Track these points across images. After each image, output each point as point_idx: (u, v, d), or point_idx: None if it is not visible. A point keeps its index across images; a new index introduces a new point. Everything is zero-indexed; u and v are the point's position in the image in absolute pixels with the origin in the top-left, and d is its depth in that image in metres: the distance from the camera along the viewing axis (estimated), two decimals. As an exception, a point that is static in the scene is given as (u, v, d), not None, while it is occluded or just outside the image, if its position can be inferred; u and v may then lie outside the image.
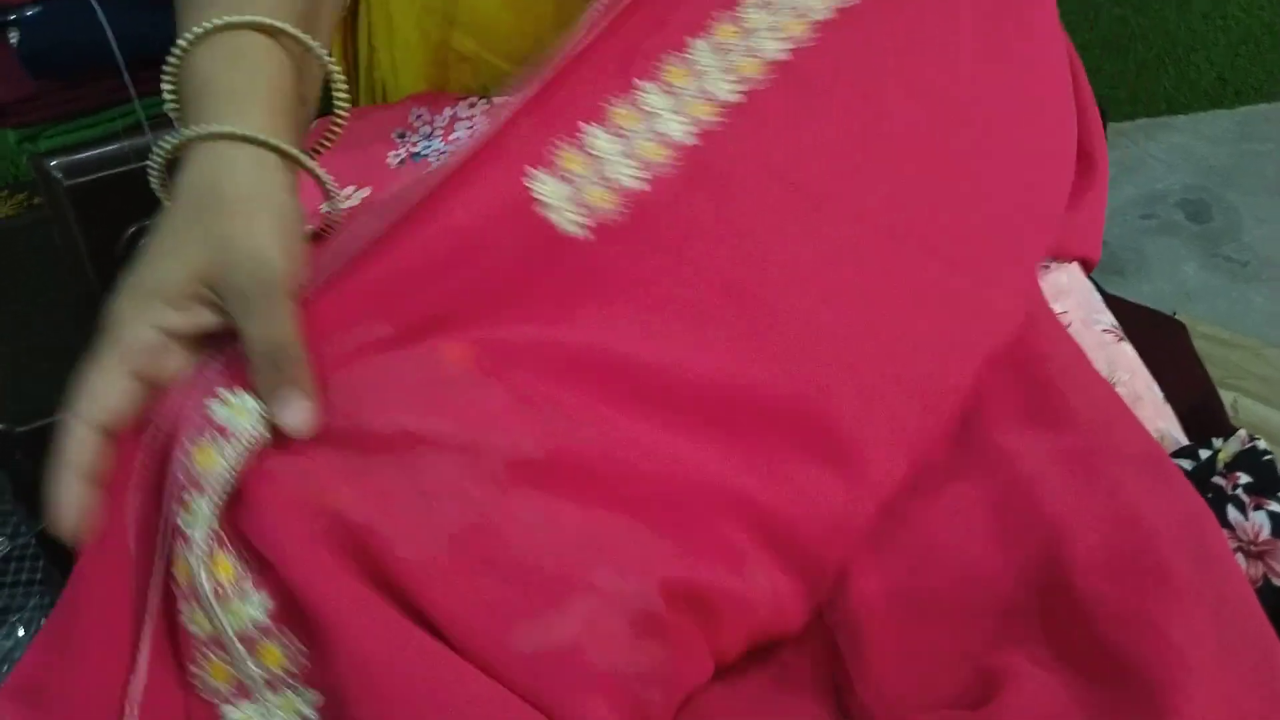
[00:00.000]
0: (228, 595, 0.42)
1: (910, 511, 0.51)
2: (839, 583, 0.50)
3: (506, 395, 0.46)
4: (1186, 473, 0.51)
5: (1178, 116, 2.23)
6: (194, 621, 0.42)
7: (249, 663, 0.41)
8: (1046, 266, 0.64)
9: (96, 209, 1.13)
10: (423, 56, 0.84)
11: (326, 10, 0.58)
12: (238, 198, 0.44)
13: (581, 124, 0.51)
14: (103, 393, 0.44)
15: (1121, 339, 0.61)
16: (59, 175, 1.10)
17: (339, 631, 0.40)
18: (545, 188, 0.49)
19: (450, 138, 0.80)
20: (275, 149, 0.45)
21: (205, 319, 0.44)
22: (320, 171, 0.48)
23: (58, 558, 1.41)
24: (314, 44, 0.50)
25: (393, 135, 0.80)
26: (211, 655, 0.42)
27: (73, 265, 1.21)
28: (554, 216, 0.48)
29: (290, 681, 0.42)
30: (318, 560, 0.41)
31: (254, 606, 0.42)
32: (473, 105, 0.83)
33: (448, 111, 0.82)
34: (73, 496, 0.42)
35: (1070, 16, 2.00)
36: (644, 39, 0.53)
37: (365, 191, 0.75)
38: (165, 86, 0.49)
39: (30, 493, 1.33)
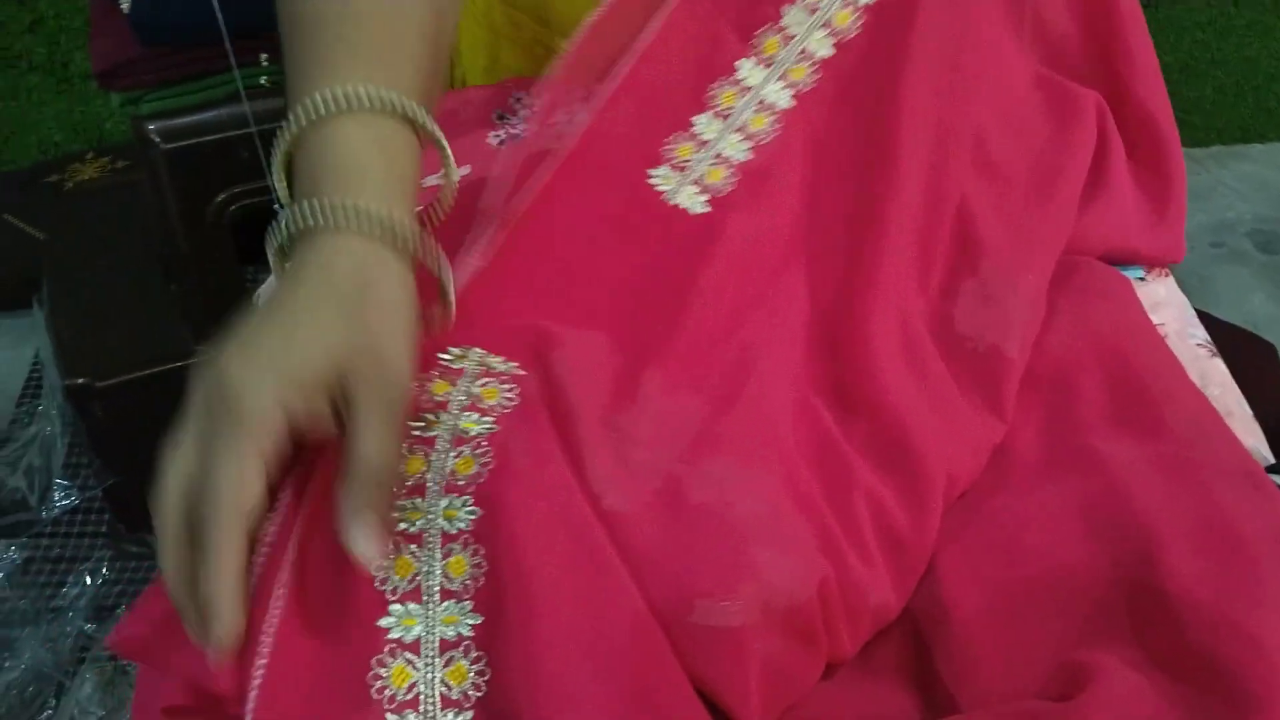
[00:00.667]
0: (453, 490, 0.44)
1: (1000, 508, 0.52)
2: (926, 574, 0.51)
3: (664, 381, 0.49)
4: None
5: (1253, 145, 2.20)
6: (405, 518, 0.43)
7: (438, 564, 0.43)
8: (1144, 278, 0.65)
9: (189, 174, 1.17)
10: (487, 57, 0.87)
11: (439, 81, 0.57)
12: (388, 303, 0.42)
13: (690, 117, 0.57)
14: (248, 483, 0.39)
15: (1214, 354, 0.61)
16: (157, 139, 1.14)
17: (525, 554, 0.42)
18: (667, 183, 0.55)
19: (549, 120, 0.82)
20: (420, 259, 0.45)
21: (323, 417, 0.41)
22: (451, 294, 0.48)
23: (124, 512, 1.46)
24: (444, 143, 0.49)
25: (493, 116, 0.82)
26: (404, 551, 0.43)
27: (161, 228, 1.25)
28: (683, 201, 0.52)
29: (463, 596, 0.43)
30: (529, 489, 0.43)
31: (464, 512, 0.44)
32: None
33: (546, 95, 0.84)
34: (236, 607, 0.39)
35: (1151, 37, 1.99)
36: (730, 18, 0.59)
37: (465, 170, 0.77)
38: (285, 140, 0.47)
39: (105, 446, 1.37)
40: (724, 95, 0.59)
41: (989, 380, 0.55)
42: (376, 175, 0.45)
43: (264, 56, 1.15)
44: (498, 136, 0.80)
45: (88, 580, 1.40)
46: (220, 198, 1.20)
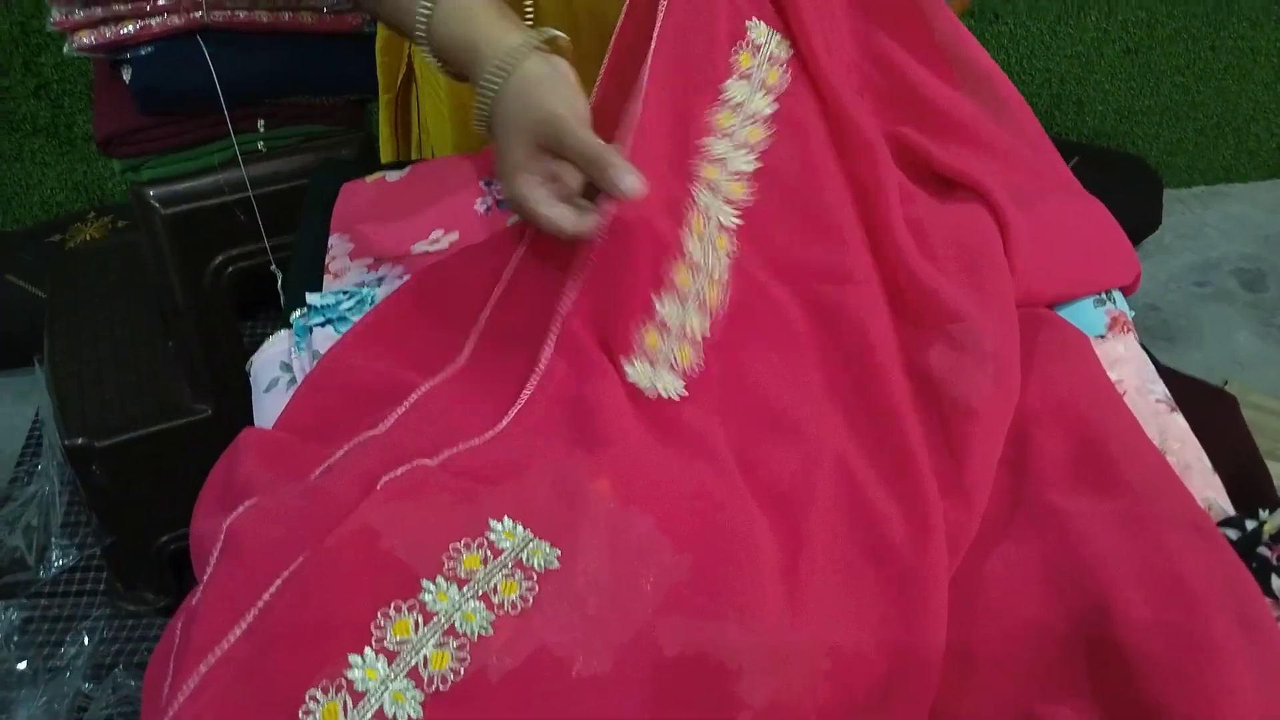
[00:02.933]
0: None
1: (961, 566, 0.54)
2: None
3: (650, 520, 0.52)
4: (1232, 542, 0.53)
5: (1235, 185, 2.24)
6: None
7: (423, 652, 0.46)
8: (1103, 336, 0.67)
9: (189, 237, 1.19)
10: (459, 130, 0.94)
11: None
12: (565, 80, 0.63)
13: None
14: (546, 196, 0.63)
15: (1173, 409, 0.63)
16: (157, 204, 1.17)
17: None
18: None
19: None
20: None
21: (548, 163, 0.63)
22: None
23: (122, 572, 1.47)
24: None
25: (480, 183, 0.85)
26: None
27: (161, 288, 1.27)
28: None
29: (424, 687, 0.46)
30: None
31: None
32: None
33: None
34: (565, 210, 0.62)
35: (1131, 82, 2.04)
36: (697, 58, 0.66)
37: (453, 236, 0.80)
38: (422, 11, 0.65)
39: (103, 506, 1.38)
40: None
41: (959, 441, 0.57)
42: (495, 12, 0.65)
43: (261, 123, 1.19)
44: (484, 203, 0.83)
45: (85, 640, 1.40)
46: (218, 260, 1.23)
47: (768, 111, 0.66)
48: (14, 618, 1.41)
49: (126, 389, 1.37)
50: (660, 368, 0.61)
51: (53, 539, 1.51)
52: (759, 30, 0.67)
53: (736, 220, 0.65)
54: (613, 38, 0.70)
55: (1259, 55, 2.04)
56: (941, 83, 0.71)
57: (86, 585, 1.52)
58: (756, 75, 0.66)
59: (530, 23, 0.70)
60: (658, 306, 0.62)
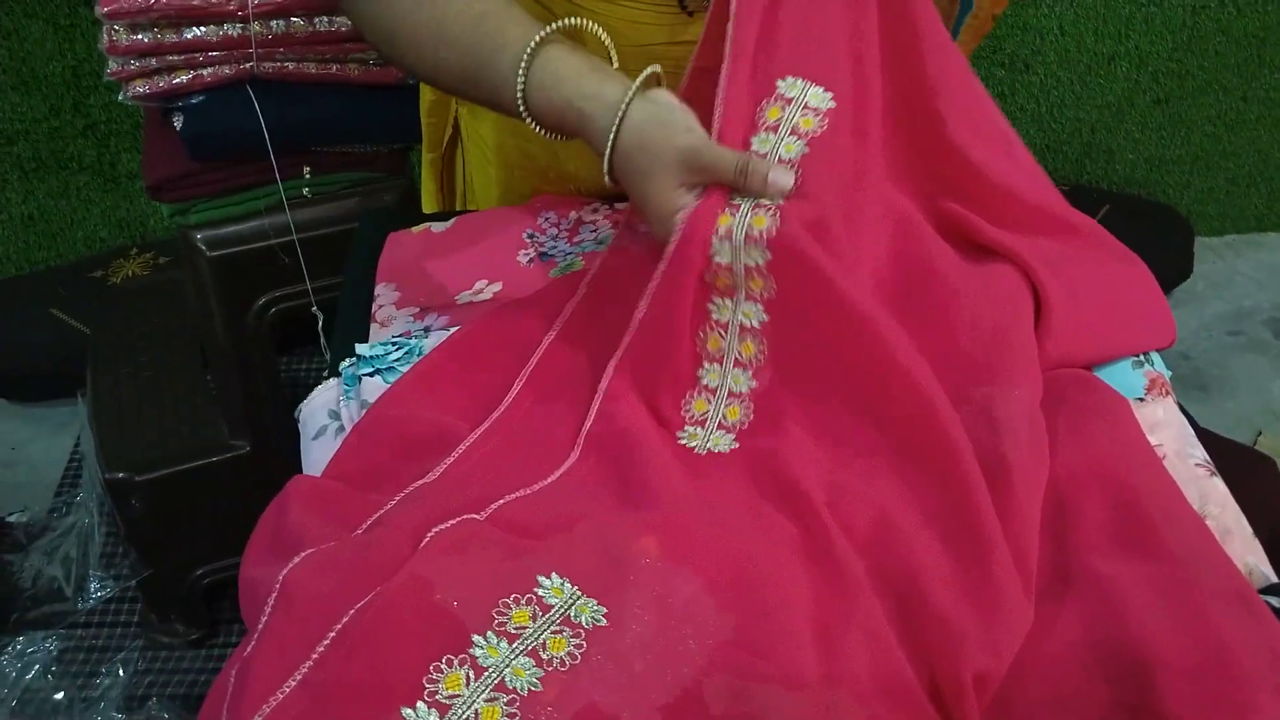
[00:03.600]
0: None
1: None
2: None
3: (696, 580, 0.53)
4: (1275, 610, 0.54)
5: (1268, 234, 2.23)
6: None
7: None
8: (1143, 399, 0.67)
9: (233, 279, 1.22)
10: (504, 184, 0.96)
11: None
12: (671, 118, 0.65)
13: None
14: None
15: (1213, 473, 0.64)
16: (203, 246, 1.20)
17: None
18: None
19: (575, 239, 0.86)
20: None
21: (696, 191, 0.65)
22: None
23: (155, 603, 1.48)
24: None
25: (523, 235, 0.86)
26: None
27: (203, 327, 1.30)
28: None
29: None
30: None
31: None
32: (595, 210, 0.89)
33: (573, 215, 0.89)
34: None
35: (1162, 132, 2.04)
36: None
37: (497, 286, 0.82)
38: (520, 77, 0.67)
39: (141, 538, 1.40)
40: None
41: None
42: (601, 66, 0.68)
43: (306, 170, 1.22)
44: (527, 255, 0.85)
45: (120, 671, 1.42)
46: (261, 300, 1.26)
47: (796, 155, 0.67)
48: (51, 648, 1.43)
49: (166, 424, 1.40)
50: (710, 429, 0.63)
51: (90, 570, 1.53)
52: (795, 86, 0.68)
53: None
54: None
55: (1291, 106, 2.05)
56: (975, 139, 0.71)
57: (122, 617, 1.53)
58: (785, 124, 0.67)
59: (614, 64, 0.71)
60: (700, 375, 0.64)
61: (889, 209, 0.71)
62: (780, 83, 0.67)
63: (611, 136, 0.64)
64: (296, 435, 0.74)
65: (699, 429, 0.63)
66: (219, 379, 1.36)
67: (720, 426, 0.63)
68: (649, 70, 0.66)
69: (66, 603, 1.51)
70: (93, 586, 1.51)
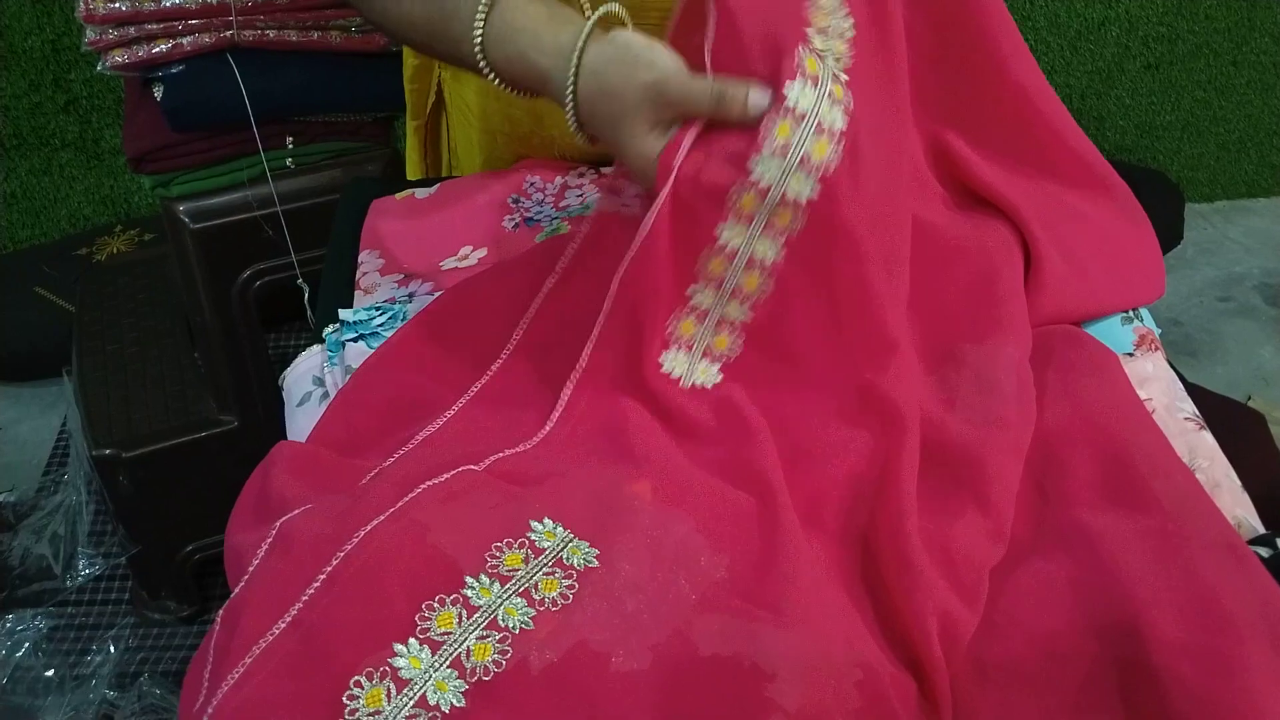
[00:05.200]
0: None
1: (992, 581, 0.54)
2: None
3: (689, 522, 0.53)
4: (1263, 560, 0.53)
5: (1258, 200, 2.23)
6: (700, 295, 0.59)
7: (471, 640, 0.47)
8: (1132, 354, 0.67)
9: (217, 252, 1.21)
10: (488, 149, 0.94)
11: None
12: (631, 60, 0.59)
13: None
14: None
15: (1202, 427, 0.63)
16: (187, 219, 1.18)
17: None
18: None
19: (560, 204, 0.85)
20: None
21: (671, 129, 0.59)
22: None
23: (145, 580, 1.48)
24: None
25: (508, 200, 0.86)
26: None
27: (189, 301, 1.29)
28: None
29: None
30: None
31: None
32: (581, 175, 0.88)
33: (558, 179, 0.88)
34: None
35: (1152, 98, 2.03)
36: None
37: (482, 252, 0.81)
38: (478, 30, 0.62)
39: (129, 515, 1.40)
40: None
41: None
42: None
43: (289, 140, 1.20)
44: (512, 220, 0.84)
45: (111, 649, 1.41)
46: (246, 274, 1.24)
47: (844, 78, 0.60)
48: (41, 626, 1.42)
49: (153, 400, 1.39)
50: (695, 355, 0.61)
51: (79, 548, 1.52)
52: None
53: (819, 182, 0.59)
54: None
55: (1281, 71, 2.04)
56: (1011, 47, 0.69)
57: (112, 594, 1.53)
58: (829, 38, 0.61)
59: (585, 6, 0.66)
60: (691, 294, 0.61)
61: (903, 153, 0.70)
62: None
63: (570, 86, 0.60)
64: (284, 408, 0.74)
65: (684, 354, 0.61)
66: (205, 354, 1.35)
67: (706, 354, 0.62)
68: (604, 8, 0.61)
69: (55, 581, 1.51)
70: (81, 564, 1.51)
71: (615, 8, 0.62)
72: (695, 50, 0.59)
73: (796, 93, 0.55)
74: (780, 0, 0.59)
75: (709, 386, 0.61)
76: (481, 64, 0.63)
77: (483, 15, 0.62)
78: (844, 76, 0.59)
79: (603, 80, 0.59)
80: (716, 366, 0.62)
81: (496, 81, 0.64)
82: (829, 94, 0.56)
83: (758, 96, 0.57)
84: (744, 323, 0.62)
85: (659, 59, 0.59)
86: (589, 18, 0.60)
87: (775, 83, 0.56)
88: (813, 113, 0.56)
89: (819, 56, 0.58)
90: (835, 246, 0.58)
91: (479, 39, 0.62)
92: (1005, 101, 0.69)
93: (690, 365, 0.61)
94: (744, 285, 0.60)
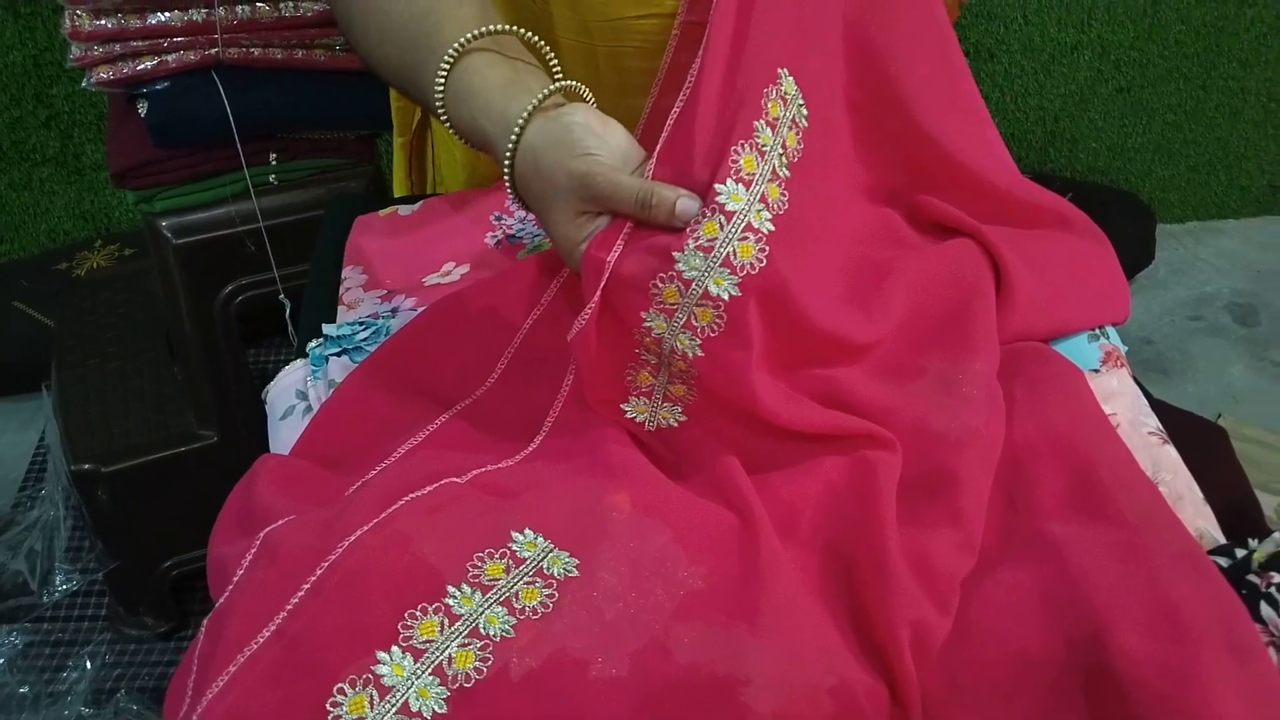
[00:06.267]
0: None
1: (961, 593, 0.55)
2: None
3: (667, 533, 0.54)
4: (1223, 569, 0.55)
5: (1228, 221, 2.27)
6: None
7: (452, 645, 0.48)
8: (1098, 370, 0.69)
9: (200, 267, 1.21)
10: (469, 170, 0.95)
11: None
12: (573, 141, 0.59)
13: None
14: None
15: (1166, 441, 0.65)
16: (169, 234, 1.19)
17: None
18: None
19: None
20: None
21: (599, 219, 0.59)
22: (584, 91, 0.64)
23: (123, 595, 1.47)
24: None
25: (490, 218, 0.87)
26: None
27: (170, 316, 1.29)
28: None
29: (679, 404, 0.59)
30: None
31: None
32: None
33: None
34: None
35: (1124, 120, 2.07)
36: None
37: (465, 268, 0.82)
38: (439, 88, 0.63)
39: (108, 531, 1.39)
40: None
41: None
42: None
43: (273, 156, 1.21)
44: (494, 236, 0.85)
45: (87, 664, 1.41)
46: (228, 289, 1.25)
47: (784, 174, 0.61)
48: (16, 642, 1.42)
49: (133, 415, 1.39)
50: (657, 400, 0.63)
51: (56, 564, 1.51)
52: (788, 83, 0.63)
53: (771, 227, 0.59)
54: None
55: (1248, 95, 2.08)
56: (948, 121, 0.72)
57: (89, 610, 1.52)
58: (780, 130, 0.62)
59: (557, 71, 0.66)
60: (641, 353, 0.61)
61: (856, 187, 0.72)
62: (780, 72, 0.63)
63: (507, 160, 0.59)
64: (265, 424, 0.75)
65: (645, 401, 0.63)
66: (186, 369, 1.35)
67: (667, 399, 0.63)
68: (559, 84, 0.61)
69: (32, 597, 1.50)
70: (58, 580, 1.50)
71: (574, 84, 0.62)
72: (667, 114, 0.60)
73: (727, 193, 0.57)
74: (744, 88, 0.60)
75: (674, 425, 0.63)
76: (444, 118, 0.64)
77: (444, 74, 0.62)
78: (785, 173, 0.60)
79: (539, 159, 0.59)
80: (679, 409, 0.63)
81: (456, 137, 0.64)
82: (761, 195, 0.58)
83: (687, 204, 0.56)
84: (688, 389, 0.62)
85: (597, 148, 0.58)
86: (544, 91, 0.60)
87: (710, 180, 0.57)
88: (741, 214, 0.57)
89: (761, 154, 0.59)
90: (734, 390, 0.59)
91: (440, 95, 0.62)
92: (946, 180, 0.72)
93: (653, 410, 0.63)
94: (675, 364, 0.60)
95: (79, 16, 1.08)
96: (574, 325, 0.59)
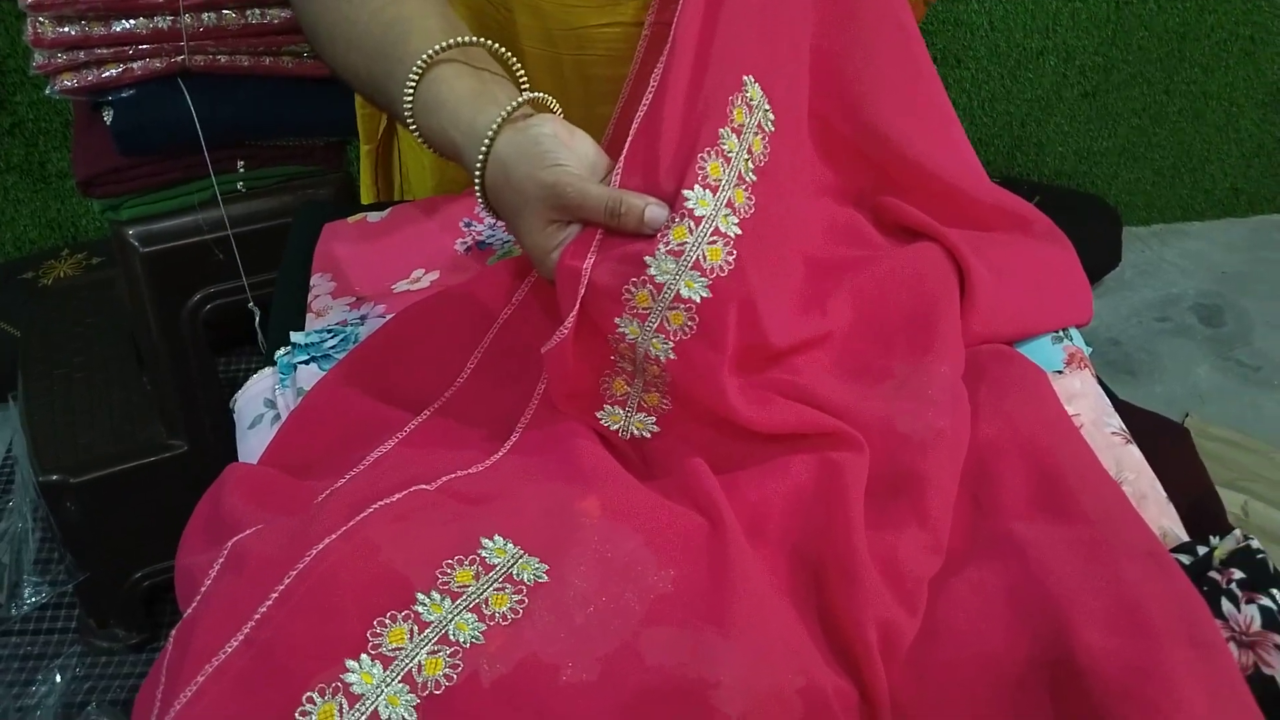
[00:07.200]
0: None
1: (928, 592, 0.56)
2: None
3: (637, 538, 0.54)
4: (1185, 567, 0.56)
5: (1193, 224, 2.30)
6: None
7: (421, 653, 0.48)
8: (1061, 372, 0.70)
9: (167, 276, 1.20)
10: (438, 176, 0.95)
11: None
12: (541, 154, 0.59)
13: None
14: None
15: (1129, 441, 0.66)
16: (136, 243, 1.18)
17: None
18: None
19: (512, 228, 0.87)
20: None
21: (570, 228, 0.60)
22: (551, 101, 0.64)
23: (93, 607, 1.46)
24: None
25: (460, 224, 0.87)
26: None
27: (138, 325, 1.28)
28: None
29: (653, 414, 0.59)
30: None
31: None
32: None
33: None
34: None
35: (1089, 125, 2.10)
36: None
37: (434, 275, 0.82)
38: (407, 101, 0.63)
39: (77, 542, 1.38)
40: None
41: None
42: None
43: (240, 164, 1.20)
44: (464, 243, 0.85)
45: (57, 678, 1.39)
46: (196, 298, 1.24)
47: (751, 179, 0.62)
48: (-16, 657, 1.40)
49: (101, 425, 1.38)
50: (631, 409, 0.63)
51: (25, 576, 1.49)
52: (754, 90, 0.64)
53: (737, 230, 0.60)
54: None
55: (1210, 99, 2.11)
56: (908, 124, 0.73)
57: (58, 623, 1.50)
58: (745, 136, 0.63)
59: (524, 82, 0.67)
60: (616, 360, 0.63)
61: (823, 190, 0.73)
62: (745, 80, 0.63)
63: (478, 172, 0.61)
64: (234, 433, 0.74)
65: (620, 409, 0.63)
66: (154, 378, 1.34)
67: (641, 409, 0.63)
68: (527, 96, 0.62)
69: (0, 610, 1.48)
70: (27, 592, 1.48)
71: (542, 96, 0.63)
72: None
73: (695, 199, 0.58)
74: (709, 96, 0.61)
75: (647, 436, 0.63)
76: (413, 128, 0.64)
77: (413, 84, 0.63)
78: (751, 178, 0.61)
79: (509, 170, 0.60)
80: (653, 419, 0.63)
81: (425, 146, 0.65)
82: (728, 200, 0.59)
83: (655, 211, 0.57)
84: (662, 397, 0.63)
85: (565, 158, 0.59)
86: (512, 103, 0.61)
87: (677, 187, 0.58)
88: (709, 219, 0.58)
89: (726, 160, 0.60)
90: (705, 392, 0.60)
91: (409, 105, 0.63)
92: (908, 182, 0.73)
93: (626, 419, 0.63)
94: (649, 370, 0.61)
95: (41, 23, 1.07)
96: (553, 337, 0.59)
